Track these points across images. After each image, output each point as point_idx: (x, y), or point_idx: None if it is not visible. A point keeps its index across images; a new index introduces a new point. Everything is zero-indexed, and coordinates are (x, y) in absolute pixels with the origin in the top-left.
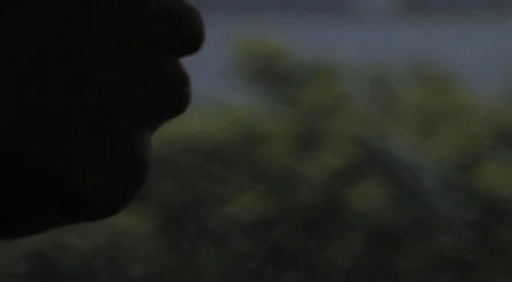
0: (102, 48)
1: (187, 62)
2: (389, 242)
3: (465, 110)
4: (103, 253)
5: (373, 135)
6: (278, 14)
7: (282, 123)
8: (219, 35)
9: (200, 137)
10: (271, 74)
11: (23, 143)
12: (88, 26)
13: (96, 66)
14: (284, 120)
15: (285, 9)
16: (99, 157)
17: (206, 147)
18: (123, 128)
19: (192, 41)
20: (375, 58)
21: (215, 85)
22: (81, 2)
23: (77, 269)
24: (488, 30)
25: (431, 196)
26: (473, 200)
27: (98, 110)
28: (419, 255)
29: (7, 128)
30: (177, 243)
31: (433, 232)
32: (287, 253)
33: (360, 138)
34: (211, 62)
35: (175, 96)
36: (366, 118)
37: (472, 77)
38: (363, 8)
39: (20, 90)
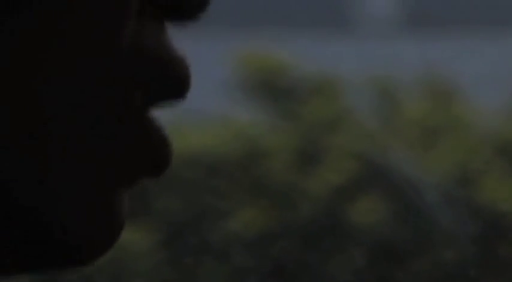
0: (84, 88)
1: None
2: (390, 256)
3: (466, 124)
4: (105, 268)
5: (375, 150)
6: (281, 29)
7: (284, 138)
8: (221, 50)
9: (202, 151)
10: (273, 88)
11: (11, 192)
12: (69, 64)
13: (76, 107)
14: (286, 135)
15: (288, 24)
16: (79, 212)
17: (208, 161)
18: (102, 188)
19: (177, 88)
20: (377, 72)
21: (217, 99)
22: (65, 39)
23: None
24: (490, 45)
25: (433, 210)
26: (475, 215)
27: (78, 163)
28: (421, 269)
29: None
30: (179, 258)
31: (435, 246)
32: (288, 267)
33: (362, 153)
34: (213, 76)
35: (156, 158)
36: (367, 132)
37: (473, 91)
38: (365, 23)
39: (8, 138)
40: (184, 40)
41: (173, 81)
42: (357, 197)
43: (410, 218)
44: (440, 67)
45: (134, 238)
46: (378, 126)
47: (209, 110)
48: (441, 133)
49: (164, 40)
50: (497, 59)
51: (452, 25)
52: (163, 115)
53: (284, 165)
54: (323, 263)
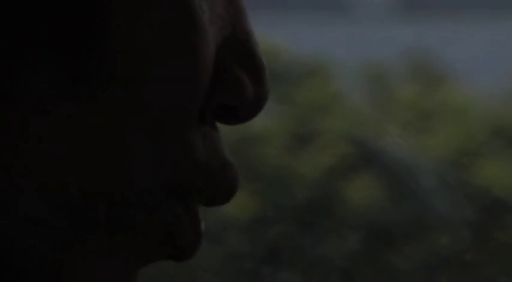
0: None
1: None
2: (385, 240)
3: (461, 108)
4: None
5: (369, 134)
6: (275, 12)
7: (278, 121)
8: None
9: None
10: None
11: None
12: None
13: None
14: (279, 119)
15: (282, 8)
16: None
17: None
18: (119, 263)
19: (221, 197)
20: (371, 56)
21: None
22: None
23: None
24: (485, 29)
25: (428, 195)
26: (471, 199)
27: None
28: (417, 254)
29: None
30: None
31: (430, 231)
32: (283, 251)
33: (356, 137)
34: None
35: (186, 248)
36: (362, 116)
37: (468, 75)
38: (359, 7)
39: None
40: None
41: (221, 190)
42: (352, 181)
43: (405, 202)
44: (436, 51)
45: None
46: (373, 110)
47: None
48: (436, 117)
49: (218, 145)
50: (491, 42)
51: (447, 9)
52: None
53: (278, 149)
54: (318, 246)
